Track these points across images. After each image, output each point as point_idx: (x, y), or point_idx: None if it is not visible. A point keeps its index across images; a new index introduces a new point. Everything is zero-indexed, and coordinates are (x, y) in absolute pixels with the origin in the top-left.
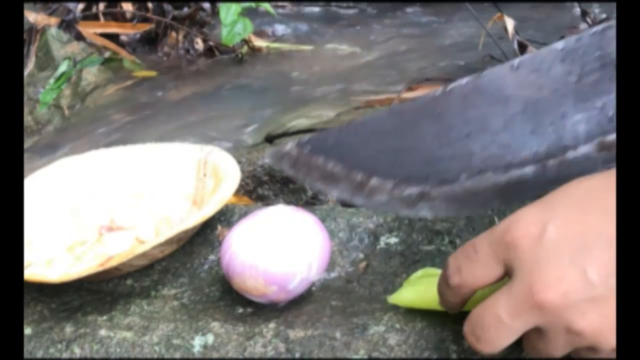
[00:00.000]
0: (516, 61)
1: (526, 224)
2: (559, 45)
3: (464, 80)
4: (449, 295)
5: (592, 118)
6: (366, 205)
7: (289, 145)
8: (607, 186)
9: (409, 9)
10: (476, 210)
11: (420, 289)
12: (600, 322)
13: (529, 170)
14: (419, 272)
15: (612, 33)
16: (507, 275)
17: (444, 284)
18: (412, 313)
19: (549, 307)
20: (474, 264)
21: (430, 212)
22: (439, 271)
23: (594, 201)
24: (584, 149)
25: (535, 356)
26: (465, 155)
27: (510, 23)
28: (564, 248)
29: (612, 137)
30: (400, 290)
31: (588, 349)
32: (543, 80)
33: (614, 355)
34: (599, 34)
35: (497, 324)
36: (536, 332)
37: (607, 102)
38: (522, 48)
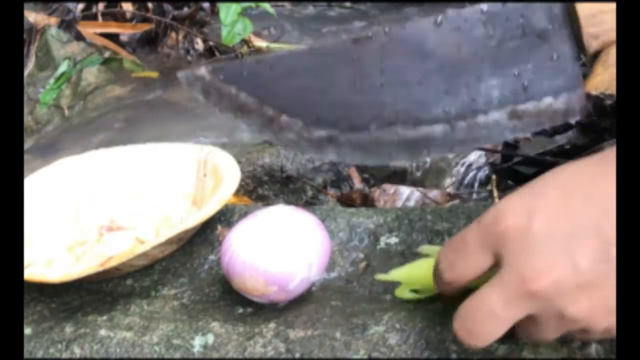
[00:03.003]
0: (439, 17)
1: (514, 213)
2: (484, 6)
3: (386, 28)
4: (443, 289)
5: (506, 85)
6: (275, 142)
7: (202, 69)
8: (592, 171)
9: (408, 9)
10: (380, 161)
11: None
12: (590, 308)
13: (438, 128)
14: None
15: (538, 4)
16: (497, 264)
17: (438, 279)
18: (412, 313)
19: (542, 295)
20: (465, 257)
21: (336, 156)
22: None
23: (578, 187)
24: (495, 115)
25: (528, 341)
26: (377, 105)
27: None
28: (552, 237)
29: (524, 106)
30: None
31: (580, 331)
32: (463, 40)
33: (605, 335)
34: (525, 3)
35: (491, 316)
36: (529, 319)
37: (524, 71)
38: None
